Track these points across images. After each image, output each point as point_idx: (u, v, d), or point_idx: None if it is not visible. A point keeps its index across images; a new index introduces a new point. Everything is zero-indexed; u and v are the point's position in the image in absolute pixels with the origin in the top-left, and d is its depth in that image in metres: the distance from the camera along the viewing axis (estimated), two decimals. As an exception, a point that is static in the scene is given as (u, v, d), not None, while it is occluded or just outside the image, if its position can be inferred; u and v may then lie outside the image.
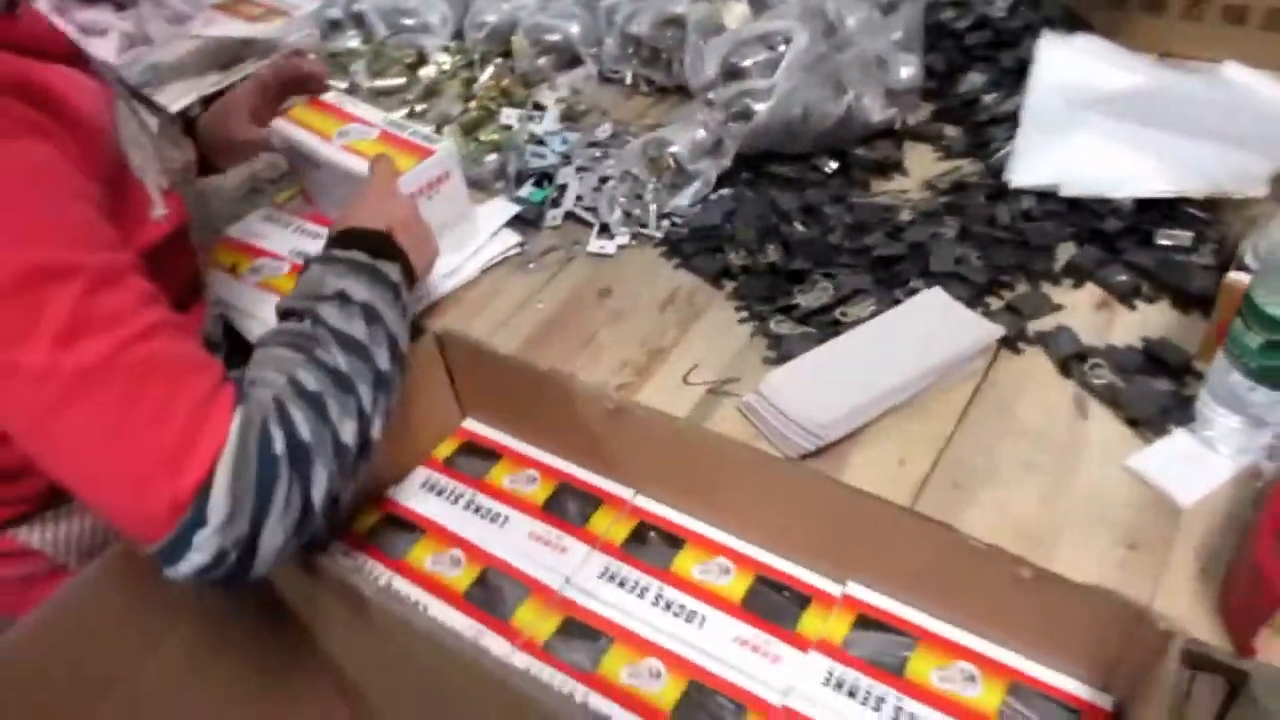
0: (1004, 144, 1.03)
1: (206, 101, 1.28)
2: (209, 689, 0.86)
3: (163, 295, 0.66)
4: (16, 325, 0.58)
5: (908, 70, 1.11)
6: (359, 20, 1.40)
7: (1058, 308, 0.87)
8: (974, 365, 0.83)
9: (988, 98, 1.12)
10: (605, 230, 1.02)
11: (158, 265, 0.70)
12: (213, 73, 1.38)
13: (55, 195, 0.62)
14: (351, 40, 1.39)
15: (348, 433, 0.68)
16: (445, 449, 0.97)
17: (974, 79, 1.15)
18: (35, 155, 0.62)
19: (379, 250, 0.78)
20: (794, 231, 0.95)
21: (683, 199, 1.03)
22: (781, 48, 1.04)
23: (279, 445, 0.63)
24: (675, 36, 1.19)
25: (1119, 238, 0.92)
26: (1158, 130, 0.96)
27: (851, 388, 0.78)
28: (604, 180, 1.07)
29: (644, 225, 1.01)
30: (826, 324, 0.87)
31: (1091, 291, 0.89)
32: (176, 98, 1.32)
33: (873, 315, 0.86)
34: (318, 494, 0.65)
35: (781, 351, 0.85)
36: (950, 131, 1.12)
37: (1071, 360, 0.81)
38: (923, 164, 1.08)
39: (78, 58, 0.74)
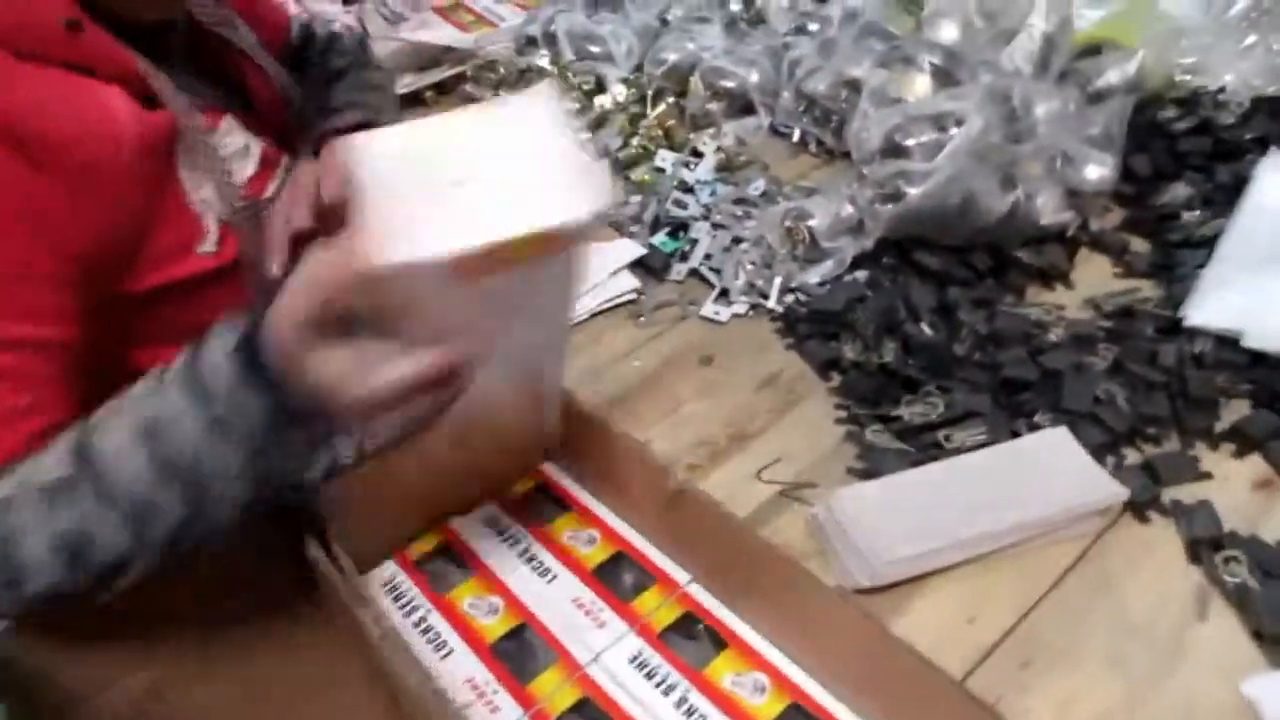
0: (1194, 271, 0.91)
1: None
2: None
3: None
4: None
5: (1099, 171, 1.00)
6: (551, 40, 1.42)
7: (1205, 476, 0.75)
8: (1086, 526, 0.73)
9: (1189, 215, 0.99)
10: (725, 295, 0.98)
11: (199, 298, 0.72)
12: (409, 74, 1.44)
13: None
14: (541, 59, 1.42)
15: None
16: (520, 487, 0.96)
17: (1178, 191, 1.01)
18: None
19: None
20: (919, 332, 0.87)
21: (813, 275, 0.97)
22: (953, 130, 0.96)
23: None
24: (850, 100, 1.12)
25: (1306, 408, 0.78)
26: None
27: (932, 526, 0.70)
28: (737, 241, 1.02)
29: (765, 296, 0.96)
30: (927, 445, 0.79)
31: (1255, 465, 0.76)
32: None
33: (981, 445, 0.77)
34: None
35: (870, 465, 0.78)
36: (1138, 246, 1.00)
37: (1203, 545, 0.69)
38: (1095, 278, 0.97)
39: (135, 79, 0.70)
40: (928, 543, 0.69)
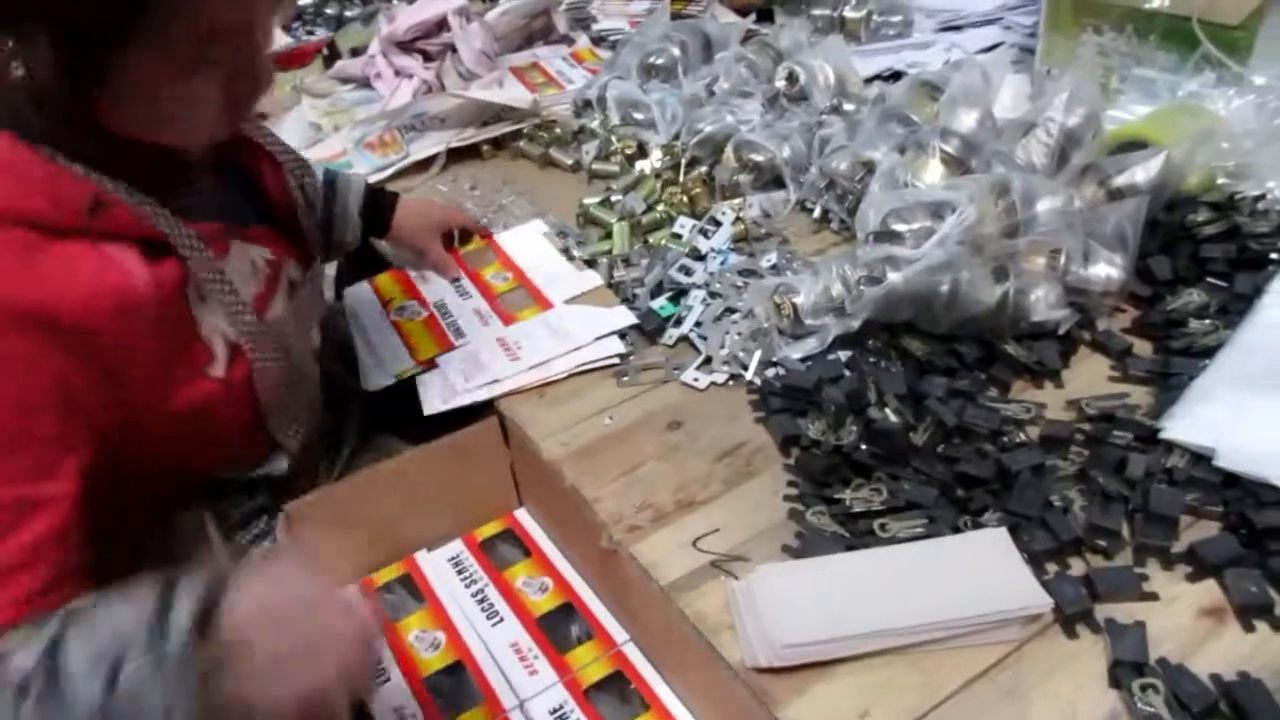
0: (1188, 382, 0.87)
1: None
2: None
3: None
4: None
5: (1107, 271, 0.97)
6: (605, 105, 1.48)
7: (1150, 596, 0.72)
8: (1010, 632, 0.70)
9: (1198, 323, 0.95)
10: (708, 362, 0.99)
11: (206, 414, 0.78)
12: (469, 128, 1.53)
13: None
14: (594, 121, 1.47)
15: None
16: (489, 529, 0.99)
17: (1192, 297, 0.97)
18: None
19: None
20: (882, 417, 0.86)
21: (795, 351, 0.97)
22: (950, 218, 0.95)
23: None
24: (865, 181, 1.13)
25: (1272, 537, 0.73)
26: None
27: (844, 614, 0.70)
28: (730, 311, 1.04)
29: (745, 368, 0.97)
30: (863, 532, 0.78)
31: (1207, 591, 0.72)
32: (429, 146, 1.48)
33: (918, 538, 0.76)
34: None
35: (803, 546, 0.78)
36: (1142, 350, 0.96)
37: (1125, 668, 0.66)
38: (1088, 379, 0.94)
39: (150, 234, 0.73)
40: (834, 631, 0.68)
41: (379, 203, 1.18)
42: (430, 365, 1.04)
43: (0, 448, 0.64)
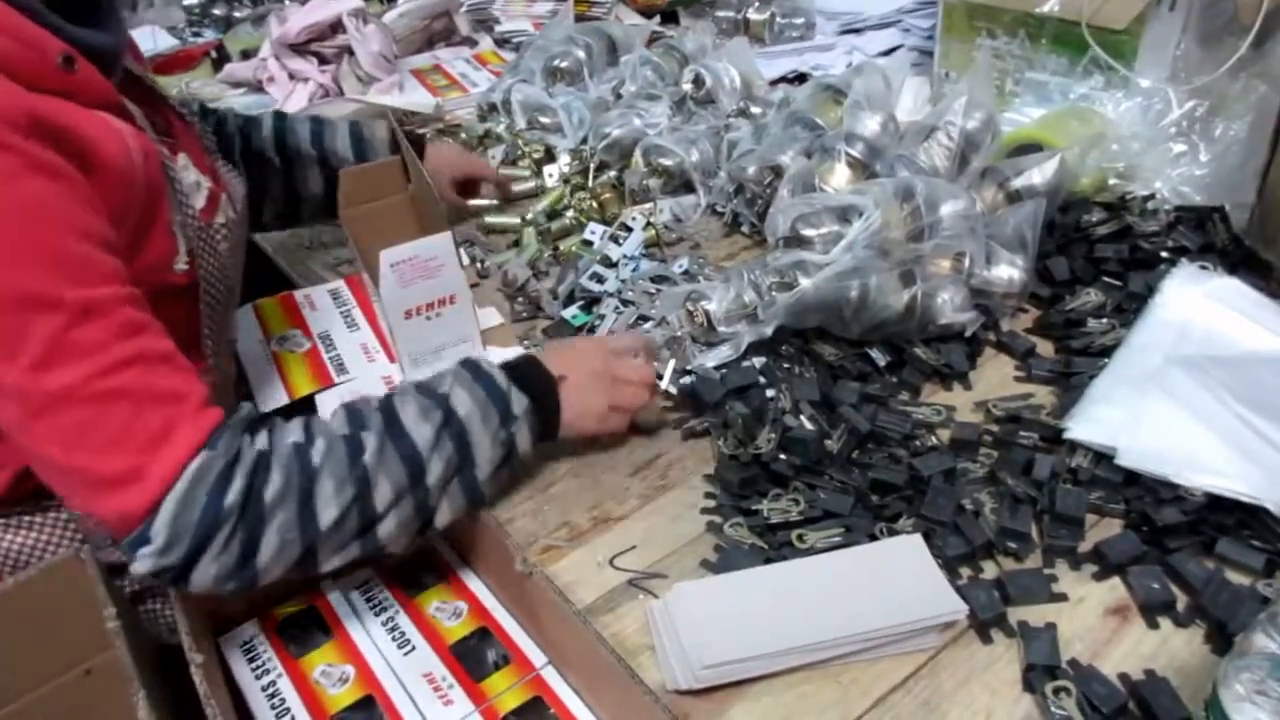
0: (1088, 381, 0.89)
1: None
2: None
3: (153, 326, 0.71)
4: (2, 345, 0.64)
5: (1009, 272, 0.99)
6: (509, 108, 1.45)
7: (1059, 598, 0.73)
8: (926, 640, 0.71)
9: (1096, 322, 0.97)
10: (622, 373, 0.98)
11: (168, 309, 0.75)
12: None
13: (49, 232, 0.66)
14: (499, 125, 1.44)
15: (326, 517, 0.71)
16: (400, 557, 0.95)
17: (1089, 297, 1.00)
18: (32, 195, 0.66)
19: (528, 384, 0.81)
20: (798, 425, 0.86)
21: (710, 359, 0.96)
22: (856, 223, 0.96)
23: (233, 495, 0.68)
24: (774, 185, 1.13)
25: (1172, 534, 0.75)
26: (1267, 420, 0.78)
27: (762, 632, 0.69)
28: (644, 320, 1.03)
29: (660, 376, 0.96)
30: (781, 544, 0.78)
31: (1112, 589, 0.74)
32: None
33: (836, 547, 0.76)
34: (263, 555, 0.70)
35: (721, 561, 0.77)
36: (1045, 350, 0.98)
37: (1038, 672, 0.67)
38: (995, 381, 0.96)
39: (124, 111, 0.78)
40: (753, 649, 0.67)
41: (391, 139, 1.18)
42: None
43: (72, 262, 0.66)
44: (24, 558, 0.87)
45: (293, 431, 0.74)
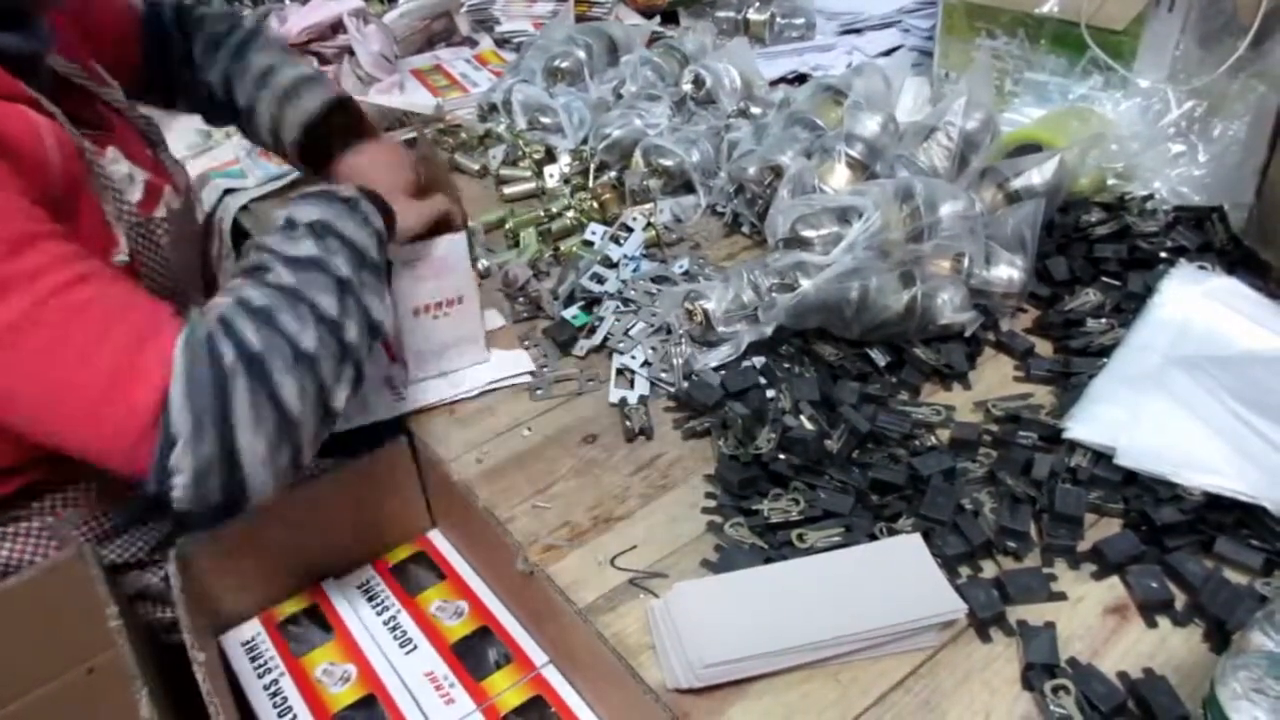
0: (1087, 381, 0.89)
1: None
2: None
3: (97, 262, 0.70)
4: None
5: (1009, 272, 0.99)
6: (509, 108, 1.45)
7: (1058, 597, 0.73)
8: (926, 639, 0.71)
9: (1095, 322, 0.97)
10: (622, 374, 0.98)
11: None
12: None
13: None
14: (500, 125, 1.44)
15: (308, 339, 0.70)
16: (400, 553, 0.96)
17: (1088, 297, 1.00)
18: None
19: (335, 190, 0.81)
20: (797, 425, 0.86)
21: (711, 359, 0.97)
22: (855, 224, 0.96)
23: (228, 357, 0.66)
24: (774, 186, 1.13)
25: (1170, 533, 0.76)
26: (1265, 419, 0.79)
27: (763, 631, 0.69)
28: (644, 320, 1.03)
29: (662, 376, 0.96)
30: (781, 544, 0.78)
31: (1111, 589, 0.74)
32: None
33: (836, 547, 0.76)
34: (289, 399, 0.68)
35: (721, 560, 0.77)
36: (1044, 350, 0.99)
37: (1037, 671, 0.67)
38: (994, 381, 0.96)
39: (41, 108, 0.75)
40: (753, 648, 0.68)
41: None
42: None
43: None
44: None
45: (221, 300, 0.71)
